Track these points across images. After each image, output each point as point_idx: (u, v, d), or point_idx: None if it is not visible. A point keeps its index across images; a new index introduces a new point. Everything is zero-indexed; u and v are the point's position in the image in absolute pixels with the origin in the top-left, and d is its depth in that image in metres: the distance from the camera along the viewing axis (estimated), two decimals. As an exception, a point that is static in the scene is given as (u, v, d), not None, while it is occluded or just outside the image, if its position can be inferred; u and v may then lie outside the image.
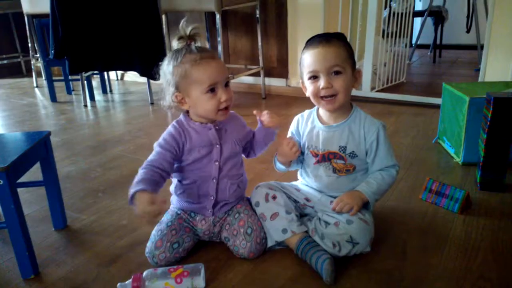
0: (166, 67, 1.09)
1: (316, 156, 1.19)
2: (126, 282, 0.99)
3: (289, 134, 1.27)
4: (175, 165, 1.14)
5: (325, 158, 1.17)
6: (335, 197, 1.17)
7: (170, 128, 1.13)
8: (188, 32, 1.08)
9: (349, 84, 1.11)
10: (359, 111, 1.18)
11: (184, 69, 1.05)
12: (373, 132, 1.14)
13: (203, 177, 1.13)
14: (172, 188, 1.20)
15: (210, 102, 1.06)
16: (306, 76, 1.13)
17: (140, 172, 1.06)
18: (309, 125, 1.21)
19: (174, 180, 1.18)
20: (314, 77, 1.11)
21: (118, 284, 0.99)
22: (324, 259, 1.02)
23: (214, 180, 1.13)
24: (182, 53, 1.06)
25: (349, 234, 1.06)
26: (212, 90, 1.05)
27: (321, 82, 1.09)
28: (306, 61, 1.12)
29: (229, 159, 1.14)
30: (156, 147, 1.11)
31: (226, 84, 1.09)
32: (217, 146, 1.12)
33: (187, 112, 1.15)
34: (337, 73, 1.09)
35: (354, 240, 1.05)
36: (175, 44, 1.09)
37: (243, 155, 1.24)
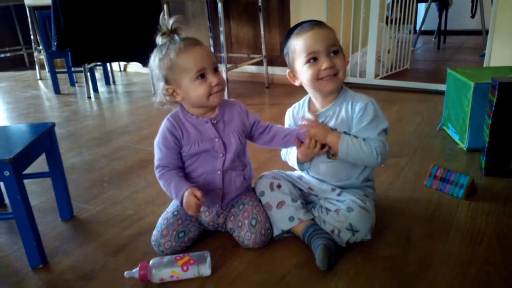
0: (153, 62, 1.07)
1: None
2: (133, 270, 1.00)
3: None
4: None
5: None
6: (335, 185, 1.17)
7: (165, 123, 1.11)
8: (169, 26, 1.05)
9: (345, 63, 1.11)
10: (348, 91, 1.15)
11: (169, 60, 1.03)
12: (360, 107, 1.10)
13: (209, 170, 1.12)
14: None
15: (200, 87, 1.04)
16: (302, 61, 1.09)
17: (163, 180, 1.09)
18: (302, 115, 1.20)
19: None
20: (313, 59, 1.08)
21: (125, 272, 1.00)
22: (318, 244, 1.02)
23: (219, 172, 1.12)
24: (166, 46, 1.05)
25: (348, 222, 1.05)
26: (202, 76, 1.04)
27: (323, 63, 1.07)
28: (300, 45, 1.09)
29: (233, 151, 1.12)
30: (158, 147, 1.11)
31: (215, 70, 1.07)
32: (217, 140, 1.10)
33: (181, 106, 1.13)
34: (335, 52, 1.08)
35: (354, 228, 1.05)
36: (159, 40, 1.07)
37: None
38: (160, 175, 1.10)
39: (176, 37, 1.06)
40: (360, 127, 1.09)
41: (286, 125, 1.26)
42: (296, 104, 1.24)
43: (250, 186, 1.23)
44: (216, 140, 1.10)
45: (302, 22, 1.13)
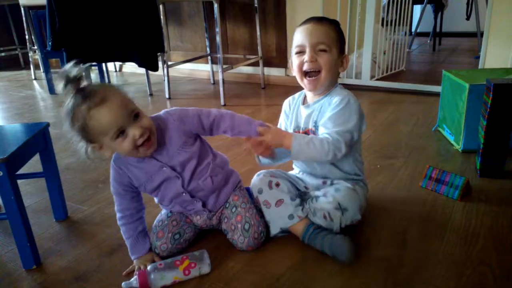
0: (65, 123, 0.94)
1: None
2: (131, 280, 0.98)
3: (281, 117, 1.28)
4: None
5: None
6: (326, 178, 1.19)
7: (111, 172, 1.07)
8: (74, 75, 0.90)
9: (333, 63, 1.11)
10: (337, 88, 1.16)
11: (81, 125, 0.92)
12: (338, 99, 1.10)
13: (174, 195, 1.09)
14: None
15: (124, 144, 0.94)
16: (293, 51, 1.14)
17: (123, 232, 1.11)
18: (295, 107, 1.24)
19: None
20: (300, 52, 1.12)
21: (123, 283, 0.98)
22: (340, 238, 1.03)
23: (184, 194, 1.09)
24: (73, 102, 0.91)
25: (336, 200, 1.07)
26: (122, 132, 0.93)
27: (306, 56, 1.10)
28: (295, 37, 1.14)
29: (186, 165, 1.07)
30: (114, 194, 1.10)
31: (136, 117, 0.95)
32: (164, 168, 1.05)
33: None
34: (322, 50, 1.10)
35: (342, 206, 1.06)
36: (60, 88, 0.91)
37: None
38: (120, 224, 1.11)
39: (78, 95, 0.90)
40: (326, 117, 1.10)
41: (282, 113, 1.28)
42: (295, 95, 1.27)
43: (237, 180, 1.19)
44: (164, 168, 1.05)
45: (312, 18, 1.15)
